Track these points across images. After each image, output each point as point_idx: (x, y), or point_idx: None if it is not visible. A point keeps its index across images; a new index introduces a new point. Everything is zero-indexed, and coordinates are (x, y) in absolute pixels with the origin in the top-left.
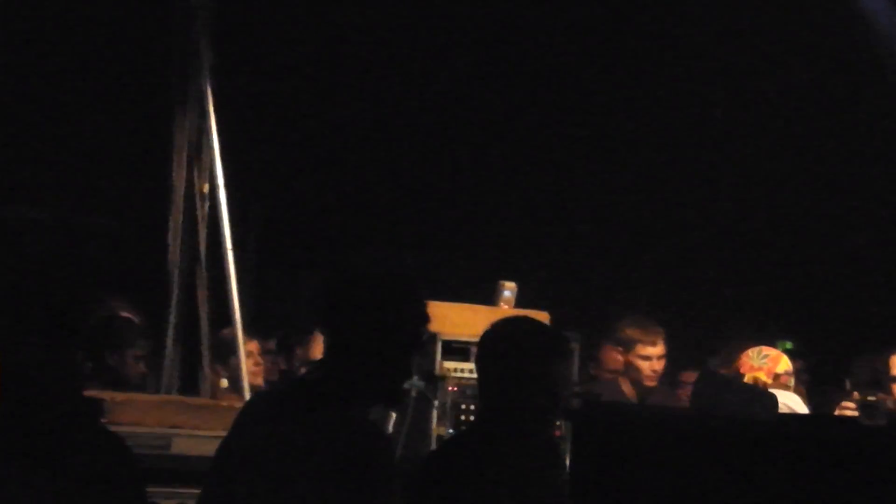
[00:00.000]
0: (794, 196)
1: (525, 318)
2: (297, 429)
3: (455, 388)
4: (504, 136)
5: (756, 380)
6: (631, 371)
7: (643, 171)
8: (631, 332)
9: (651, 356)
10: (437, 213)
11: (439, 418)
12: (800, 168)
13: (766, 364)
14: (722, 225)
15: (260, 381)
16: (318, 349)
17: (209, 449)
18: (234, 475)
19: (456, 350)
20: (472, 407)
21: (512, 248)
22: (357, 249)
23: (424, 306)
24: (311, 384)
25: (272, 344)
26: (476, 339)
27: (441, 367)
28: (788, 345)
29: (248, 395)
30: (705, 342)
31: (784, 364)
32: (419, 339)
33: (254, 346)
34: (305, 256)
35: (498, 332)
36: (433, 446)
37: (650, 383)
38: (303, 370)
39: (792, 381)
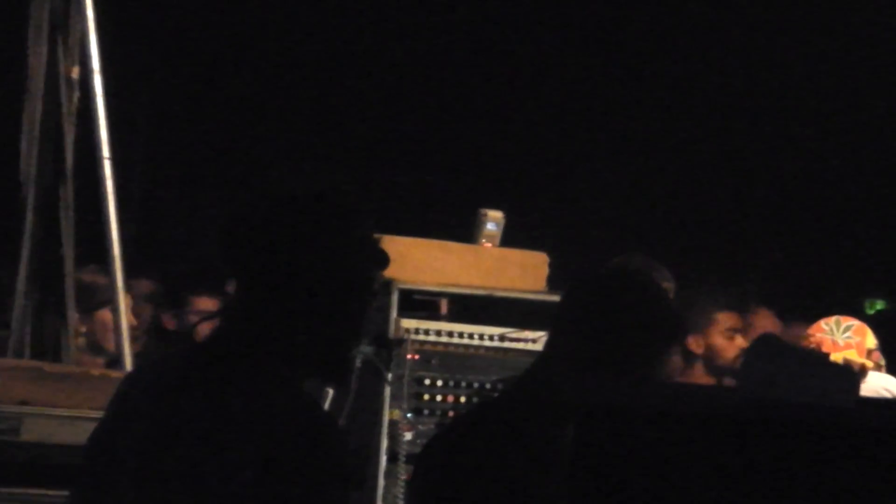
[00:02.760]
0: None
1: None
2: (209, 413)
3: (416, 357)
4: None
5: (848, 362)
6: None
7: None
8: None
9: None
10: (390, 116)
11: (393, 397)
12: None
13: (854, 338)
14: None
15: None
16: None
17: (75, 435)
18: (115, 476)
19: (418, 304)
20: (440, 382)
21: (496, 166)
22: (278, 165)
23: (377, 240)
24: (222, 349)
25: (143, 286)
26: (447, 287)
27: (397, 328)
28: (880, 304)
29: (129, 363)
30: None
31: (871, 337)
32: (370, 287)
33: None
34: (208, 173)
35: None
36: (384, 435)
37: None
38: (201, 330)
39: (883, 360)
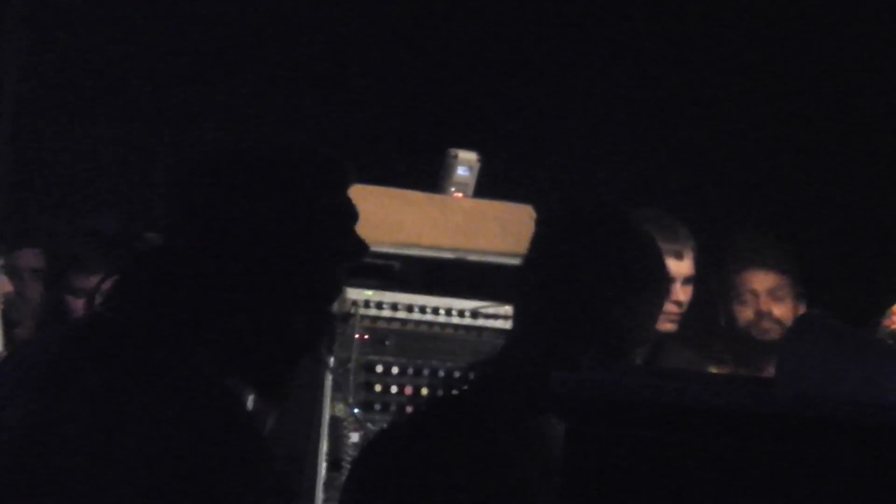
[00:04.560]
0: None
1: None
2: (100, 406)
3: (366, 337)
4: None
5: None
6: None
7: None
8: None
9: (676, 276)
10: (323, 29)
11: (336, 388)
12: None
13: None
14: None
15: None
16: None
17: None
18: None
19: (369, 269)
20: (396, 370)
21: (470, 93)
22: (191, 89)
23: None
24: (119, 328)
25: (29, 258)
26: (407, 248)
27: (342, 299)
28: None
29: None
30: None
31: None
32: (350, 251)
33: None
34: (101, 98)
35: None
36: (324, 437)
37: (666, 325)
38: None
39: None
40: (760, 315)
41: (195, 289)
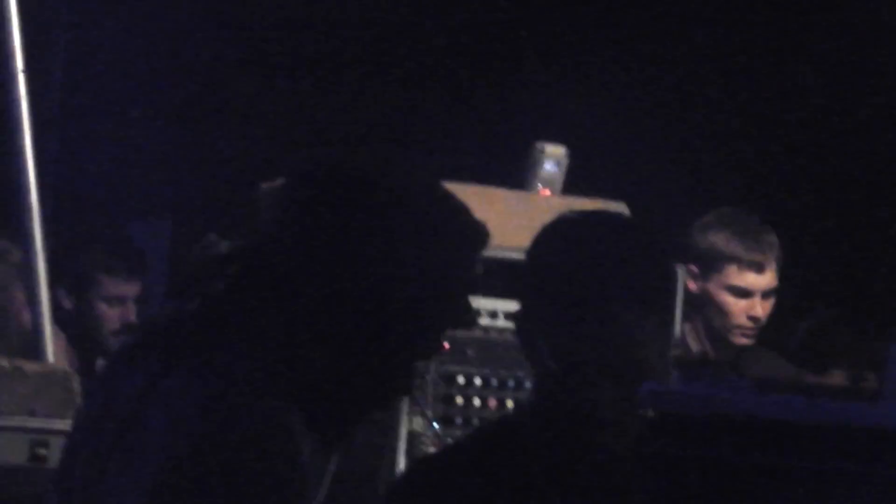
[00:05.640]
0: None
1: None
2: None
3: (446, 346)
4: None
5: None
6: (708, 312)
7: None
8: (717, 241)
9: (751, 289)
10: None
11: (413, 401)
12: None
13: None
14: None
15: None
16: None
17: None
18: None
19: None
20: (478, 381)
21: (558, 86)
22: (249, 82)
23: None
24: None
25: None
26: (490, 250)
27: None
28: None
29: (50, 354)
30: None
31: None
32: (460, 319)
33: None
34: (152, 101)
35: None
36: (400, 453)
37: (741, 340)
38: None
39: None
40: None
41: (285, 314)
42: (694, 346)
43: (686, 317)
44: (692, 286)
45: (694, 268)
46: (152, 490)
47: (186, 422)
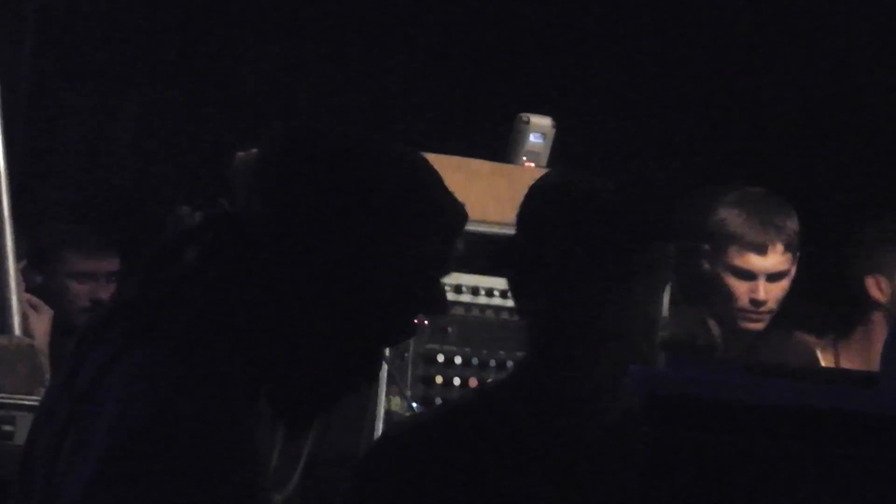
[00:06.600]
0: None
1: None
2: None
3: (425, 323)
4: None
5: None
6: (718, 296)
7: None
8: (723, 220)
9: (753, 270)
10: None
11: (392, 381)
12: None
13: None
14: None
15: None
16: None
17: None
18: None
19: None
20: (459, 360)
21: (544, 54)
22: (243, 50)
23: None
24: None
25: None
26: (472, 224)
27: None
28: None
29: (17, 327)
30: None
31: None
32: (431, 304)
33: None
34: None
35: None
36: (377, 433)
37: (748, 325)
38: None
39: None
40: None
41: (250, 287)
42: (715, 331)
43: (705, 299)
44: (705, 266)
45: (707, 247)
46: (95, 471)
47: (132, 399)
